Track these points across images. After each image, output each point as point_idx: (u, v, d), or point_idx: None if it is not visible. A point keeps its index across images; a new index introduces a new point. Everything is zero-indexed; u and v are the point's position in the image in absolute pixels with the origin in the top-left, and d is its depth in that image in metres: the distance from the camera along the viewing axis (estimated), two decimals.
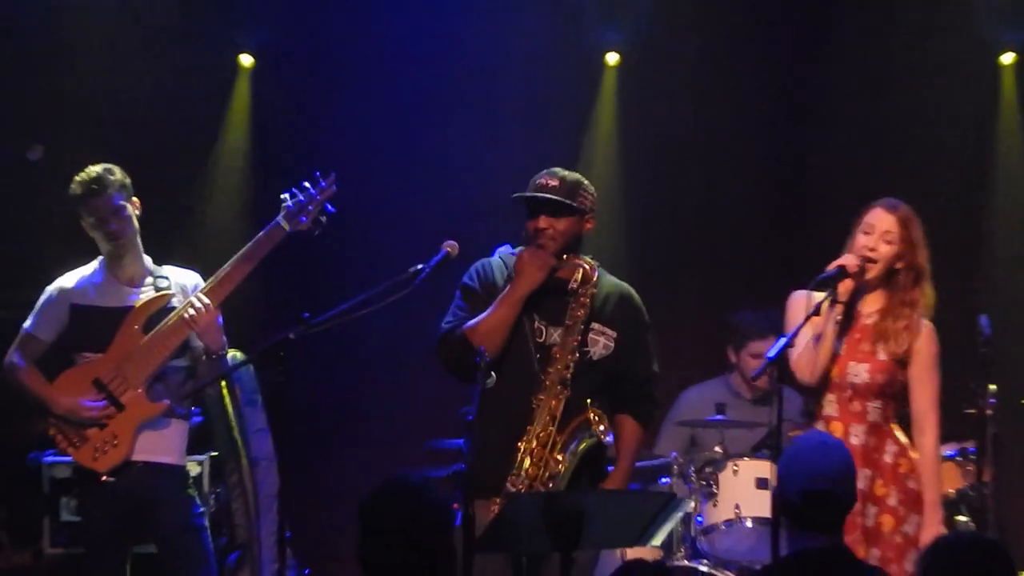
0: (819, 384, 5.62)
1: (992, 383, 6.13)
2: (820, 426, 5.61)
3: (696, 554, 6.84)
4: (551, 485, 5.42)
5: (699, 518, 6.86)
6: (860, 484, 5.20)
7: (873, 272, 5.61)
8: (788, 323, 5.68)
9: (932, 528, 5.52)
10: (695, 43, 8.30)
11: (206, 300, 5.96)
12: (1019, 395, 7.00)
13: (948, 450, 6.80)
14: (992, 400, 6.17)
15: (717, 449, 7.03)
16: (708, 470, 6.90)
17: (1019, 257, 8.15)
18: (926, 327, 5.63)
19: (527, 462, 5.44)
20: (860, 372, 5.61)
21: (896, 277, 5.63)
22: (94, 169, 6.01)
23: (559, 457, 5.46)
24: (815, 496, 4.46)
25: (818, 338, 5.57)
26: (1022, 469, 7.44)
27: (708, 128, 8.38)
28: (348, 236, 7.35)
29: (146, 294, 6.06)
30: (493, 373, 5.39)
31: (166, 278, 6.11)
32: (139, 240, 6.08)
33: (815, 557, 4.43)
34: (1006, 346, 6.55)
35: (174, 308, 6.01)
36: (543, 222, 5.54)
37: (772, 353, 5.31)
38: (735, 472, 6.80)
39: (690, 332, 8.18)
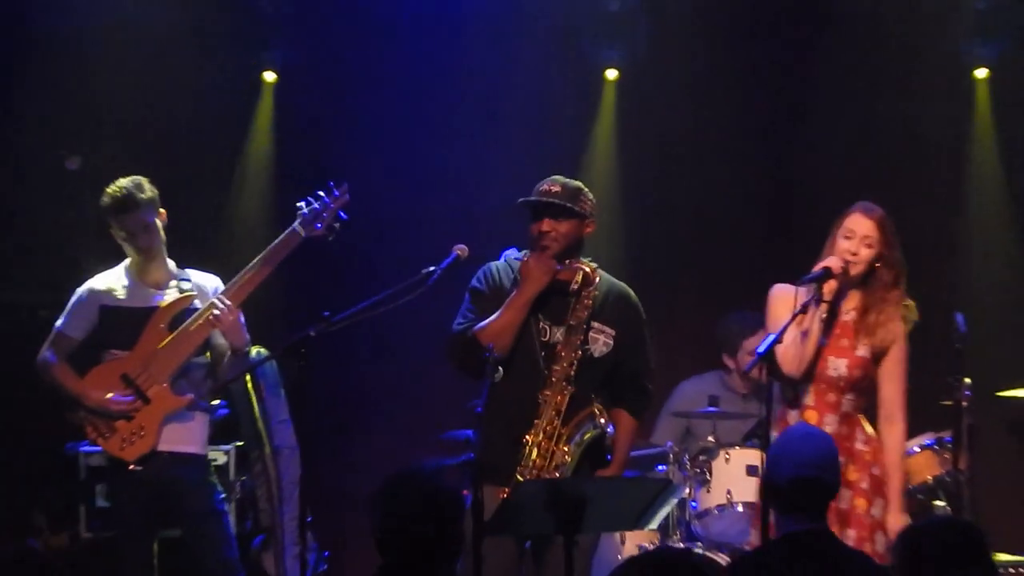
0: (802, 376, 5.63)
1: (967, 376, 6.13)
2: (795, 414, 5.62)
3: (691, 537, 6.85)
4: (558, 474, 5.43)
5: (693, 503, 6.87)
6: None
7: (854, 271, 5.62)
8: (771, 315, 5.70)
9: (897, 514, 5.57)
10: (689, 60, 8.28)
11: (228, 301, 5.97)
12: (992, 387, 6.98)
13: (926, 439, 6.79)
14: (967, 392, 6.16)
15: (710, 439, 7.02)
16: (702, 458, 6.91)
17: (991, 257, 8.15)
18: (901, 327, 5.64)
19: (534, 454, 5.45)
20: (839, 367, 5.63)
21: (874, 276, 5.65)
22: (124, 184, 6.00)
23: (565, 449, 5.47)
24: (802, 482, 4.48)
25: (804, 334, 5.58)
26: (995, 457, 7.45)
27: (703, 138, 8.36)
28: (365, 240, 7.37)
29: (170, 295, 6.07)
30: (500, 368, 5.40)
31: (188, 280, 6.12)
32: (164, 248, 6.09)
33: (802, 539, 4.45)
34: (980, 341, 6.54)
35: (196, 309, 6.03)
36: (546, 225, 5.55)
37: (762, 348, 5.34)
38: (727, 460, 6.82)
39: (686, 329, 8.18)
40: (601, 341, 5.60)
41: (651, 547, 6.72)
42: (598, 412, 5.51)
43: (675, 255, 8.45)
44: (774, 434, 5.36)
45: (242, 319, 6.05)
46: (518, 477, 5.38)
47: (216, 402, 6.57)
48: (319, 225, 6.01)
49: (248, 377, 6.98)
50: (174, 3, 8.20)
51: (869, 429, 5.69)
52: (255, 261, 6.04)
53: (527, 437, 5.45)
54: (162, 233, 6.07)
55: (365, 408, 8.27)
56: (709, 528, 6.81)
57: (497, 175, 7.77)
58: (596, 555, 5.81)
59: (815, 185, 8.10)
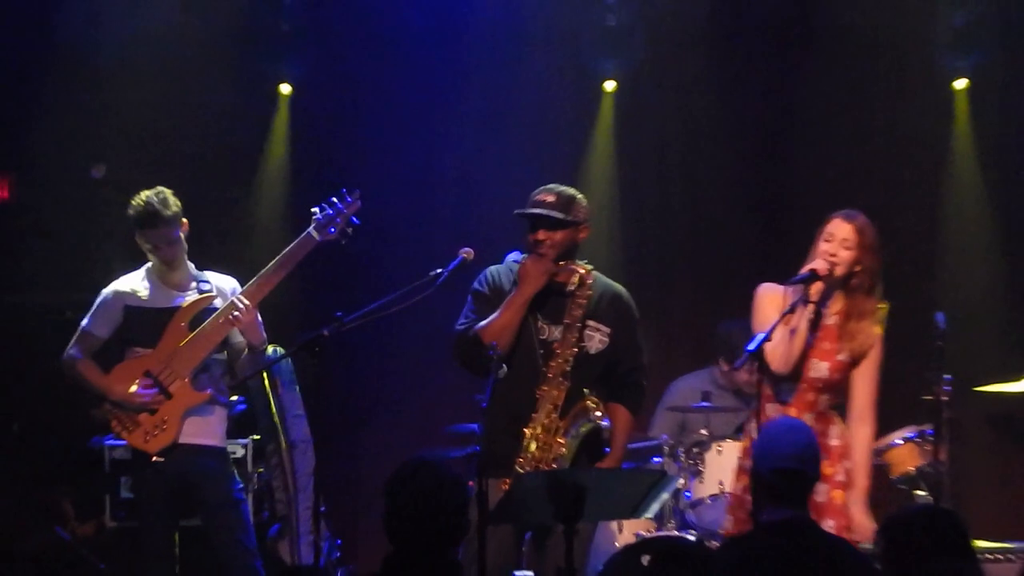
0: (790, 375, 5.64)
1: (947, 372, 6.13)
2: (775, 408, 5.61)
3: (684, 525, 6.86)
4: (555, 466, 5.44)
5: (687, 493, 6.89)
6: None
7: (838, 273, 5.61)
8: (758, 313, 5.67)
9: (861, 506, 5.54)
10: (684, 71, 8.30)
11: (246, 301, 6.00)
12: (971, 383, 7.00)
13: (908, 432, 6.81)
14: (947, 387, 6.16)
15: (703, 432, 7.05)
16: (695, 450, 6.94)
17: (970, 259, 8.15)
18: (877, 334, 5.64)
19: (533, 446, 5.46)
20: (821, 369, 5.61)
21: (853, 281, 5.63)
22: (150, 199, 5.99)
23: (562, 441, 5.48)
24: (784, 474, 4.50)
25: (792, 332, 5.57)
26: (974, 449, 7.48)
27: (697, 145, 8.39)
28: (376, 244, 7.38)
29: (191, 296, 6.10)
30: (504, 365, 5.41)
31: (208, 282, 6.14)
32: (185, 254, 6.12)
33: (785, 526, 4.48)
34: (960, 339, 6.56)
35: (216, 309, 6.06)
36: (541, 235, 5.54)
37: (752, 346, 5.35)
38: (719, 452, 6.86)
39: (681, 328, 8.20)
40: (596, 339, 5.61)
41: (647, 535, 6.73)
42: (593, 405, 5.50)
43: (670, 257, 8.46)
44: (752, 425, 5.42)
45: (259, 318, 6.08)
46: (518, 468, 5.40)
47: (234, 397, 6.60)
48: (333, 230, 6.03)
49: (265, 374, 6.99)
50: (196, 20, 8.23)
51: (842, 425, 5.67)
52: (272, 264, 6.06)
53: (526, 430, 5.46)
54: (184, 243, 6.09)
55: (376, 403, 8.28)
56: (702, 517, 6.83)
57: (501, 181, 7.79)
58: (593, 542, 5.82)
59: (804, 190, 8.12)
